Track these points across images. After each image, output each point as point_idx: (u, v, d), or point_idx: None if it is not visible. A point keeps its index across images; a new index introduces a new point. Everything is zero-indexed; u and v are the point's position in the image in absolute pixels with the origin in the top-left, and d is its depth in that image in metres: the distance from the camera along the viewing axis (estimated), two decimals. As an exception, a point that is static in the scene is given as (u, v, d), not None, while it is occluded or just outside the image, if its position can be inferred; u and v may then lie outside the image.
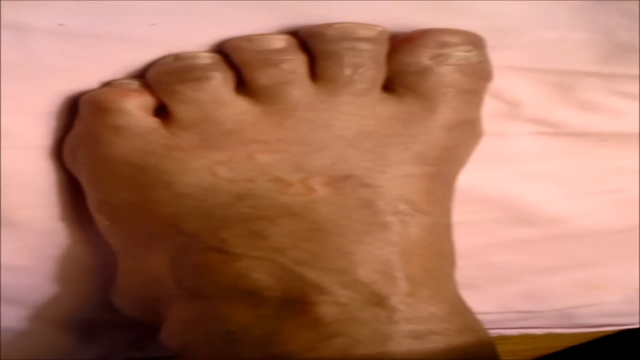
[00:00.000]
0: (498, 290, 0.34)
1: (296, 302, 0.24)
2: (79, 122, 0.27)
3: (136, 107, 0.26)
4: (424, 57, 0.26)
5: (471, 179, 0.29)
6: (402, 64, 0.26)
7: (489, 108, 0.29)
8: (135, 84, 0.26)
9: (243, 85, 0.26)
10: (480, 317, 0.26)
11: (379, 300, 0.24)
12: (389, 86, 0.26)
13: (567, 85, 0.30)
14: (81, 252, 0.30)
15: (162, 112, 0.26)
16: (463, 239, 0.28)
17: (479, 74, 0.27)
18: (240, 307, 0.24)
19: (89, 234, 0.29)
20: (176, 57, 0.26)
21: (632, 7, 0.29)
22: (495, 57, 0.27)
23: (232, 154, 0.25)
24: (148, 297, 0.27)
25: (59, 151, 0.28)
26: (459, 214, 0.28)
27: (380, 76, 0.26)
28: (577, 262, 0.34)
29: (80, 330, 0.31)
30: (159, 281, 0.26)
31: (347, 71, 0.25)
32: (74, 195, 0.28)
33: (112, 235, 0.28)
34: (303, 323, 0.23)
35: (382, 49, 0.26)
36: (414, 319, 0.24)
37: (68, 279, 0.30)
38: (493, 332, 0.34)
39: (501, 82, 0.29)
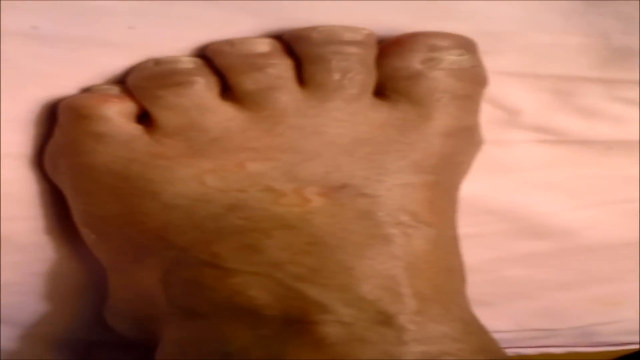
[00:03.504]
0: (513, 307, 0.33)
1: (297, 321, 0.22)
2: (58, 129, 0.26)
3: (117, 113, 0.25)
4: (414, 61, 0.25)
5: (475, 189, 0.29)
6: (392, 68, 0.25)
7: (487, 115, 0.28)
8: (115, 90, 0.25)
9: (228, 91, 0.25)
10: (496, 335, 0.25)
11: (385, 319, 0.22)
12: (381, 92, 0.25)
13: (566, 91, 0.29)
14: (70, 267, 0.28)
15: (145, 119, 0.25)
16: (472, 253, 0.27)
17: (473, 79, 0.26)
18: (239, 326, 0.23)
19: (77, 248, 0.28)
20: (157, 61, 0.25)
21: (626, 10, 0.28)
22: (489, 62, 0.26)
23: (220, 162, 0.24)
24: (141, 316, 0.26)
25: (41, 160, 0.27)
26: (465, 226, 0.27)
27: (370, 81, 0.25)
28: (593, 276, 0.33)
29: (74, 351, 0.30)
30: (151, 299, 0.25)
31: (336, 76, 0.24)
32: (59, 207, 0.27)
33: (99, 250, 0.26)
34: (306, 344, 0.22)
35: (371, 53, 0.25)
36: (424, 339, 0.22)
37: (58, 297, 0.29)
38: (511, 352, 0.34)
39: (497, 88, 0.28)
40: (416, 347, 0.22)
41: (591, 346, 0.35)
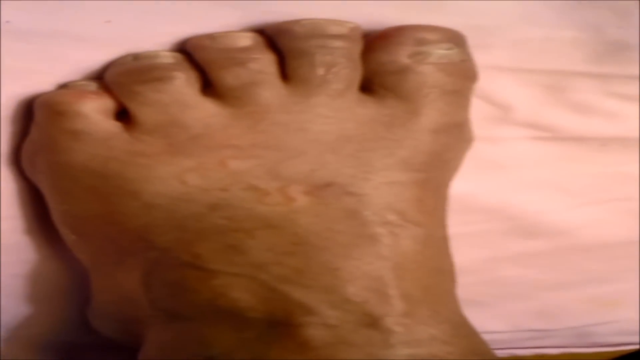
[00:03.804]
0: (508, 308, 0.33)
1: (281, 323, 0.22)
2: (35, 127, 0.25)
3: (94, 110, 0.24)
4: (401, 55, 0.24)
5: (467, 187, 0.28)
6: (379, 63, 0.24)
7: (478, 111, 0.27)
8: (92, 86, 0.25)
9: (209, 87, 0.24)
10: (491, 336, 0.25)
11: (372, 322, 0.22)
12: (367, 87, 0.25)
13: (559, 86, 0.29)
14: (52, 268, 0.28)
15: (124, 116, 0.24)
16: (464, 252, 0.26)
17: (463, 74, 0.25)
18: (222, 329, 0.23)
19: (58, 249, 0.27)
20: (135, 56, 0.24)
21: (620, 3, 0.27)
22: (480, 57, 0.26)
23: (202, 160, 0.23)
24: (124, 318, 0.26)
25: (18, 158, 0.26)
26: (457, 225, 0.26)
27: (356, 76, 0.24)
28: (589, 276, 0.33)
29: (57, 353, 0.30)
30: (134, 301, 0.24)
31: (320, 71, 0.24)
32: (38, 206, 0.26)
33: (80, 251, 0.26)
34: (291, 347, 0.22)
35: (356, 47, 0.24)
36: (412, 342, 0.22)
37: (40, 298, 0.28)
38: (505, 353, 0.34)
39: (488, 83, 0.27)
40: (403, 350, 0.22)
41: (587, 347, 0.35)
